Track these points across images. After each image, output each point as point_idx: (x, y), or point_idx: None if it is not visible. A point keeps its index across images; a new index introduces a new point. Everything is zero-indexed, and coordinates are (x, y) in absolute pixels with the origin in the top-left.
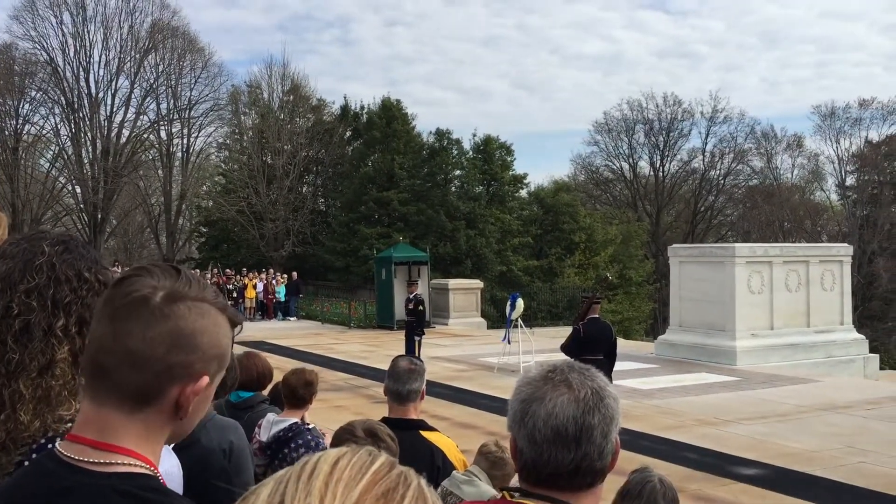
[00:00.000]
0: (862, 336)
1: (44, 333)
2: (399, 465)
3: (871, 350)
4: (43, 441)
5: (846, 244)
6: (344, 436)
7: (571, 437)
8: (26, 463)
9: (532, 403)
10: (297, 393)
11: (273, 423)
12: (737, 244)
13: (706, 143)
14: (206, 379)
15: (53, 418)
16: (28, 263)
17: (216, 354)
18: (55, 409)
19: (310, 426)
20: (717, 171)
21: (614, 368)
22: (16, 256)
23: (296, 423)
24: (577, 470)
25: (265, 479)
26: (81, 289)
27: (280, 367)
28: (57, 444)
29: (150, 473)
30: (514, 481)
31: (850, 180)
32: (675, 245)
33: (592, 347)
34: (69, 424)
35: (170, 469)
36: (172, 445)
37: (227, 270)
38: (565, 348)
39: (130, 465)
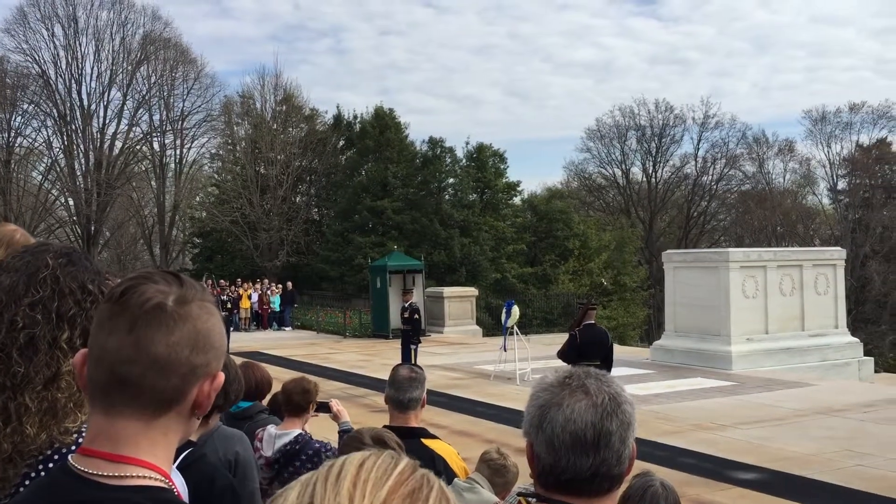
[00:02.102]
0: (856, 339)
1: (49, 346)
2: (420, 467)
3: (866, 353)
4: (49, 453)
5: (839, 248)
6: (352, 444)
7: (590, 442)
8: (32, 475)
9: (550, 409)
10: (292, 399)
11: (276, 436)
12: (731, 249)
13: (698, 149)
14: (221, 376)
15: (59, 430)
16: (32, 276)
17: (224, 351)
18: (61, 421)
19: (309, 436)
20: (710, 177)
21: (611, 374)
22: (19, 269)
23: (300, 434)
24: (595, 475)
25: (273, 490)
26: (85, 301)
27: (276, 377)
28: (70, 458)
29: (165, 486)
30: (518, 487)
31: (841, 184)
32: (668, 251)
33: (589, 353)
34: (75, 436)
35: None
36: (177, 464)
37: (222, 281)
38: (562, 354)
39: (145, 477)
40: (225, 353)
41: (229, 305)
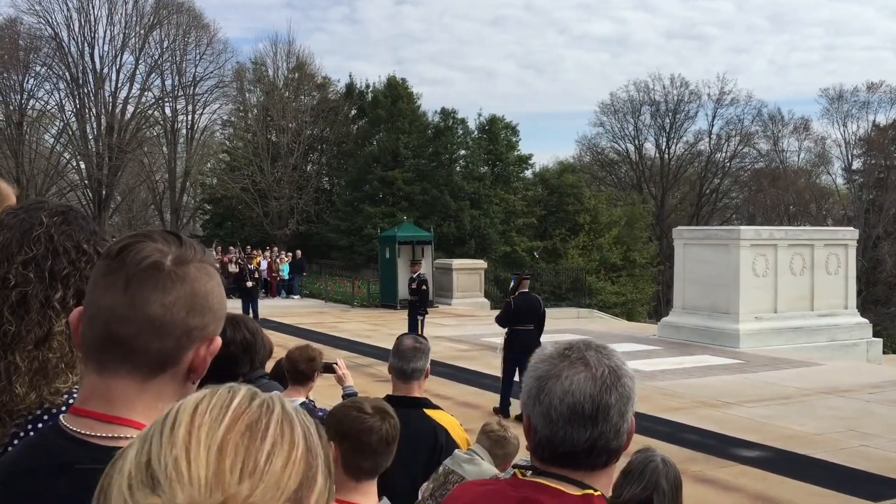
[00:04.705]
0: (866, 320)
1: (41, 305)
2: (261, 394)
3: (875, 334)
4: (39, 413)
5: (852, 228)
6: (351, 411)
7: (588, 415)
8: (21, 435)
9: (548, 381)
10: (298, 367)
11: None
12: (742, 227)
13: (712, 126)
14: (218, 340)
15: (50, 391)
16: (26, 234)
17: (223, 315)
18: (52, 381)
19: (313, 403)
20: (723, 154)
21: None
22: (13, 227)
23: (304, 402)
24: (592, 449)
25: None
26: (80, 261)
27: (283, 344)
28: (62, 418)
29: None
30: (518, 459)
31: (856, 164)
32: (679, 227)
33: (523, 319)
34: (66, 397)
35: None
36: None
37: (231, 248)
38: (498, 319)
39: None
40: (223, 318)
41: (256, 275)
